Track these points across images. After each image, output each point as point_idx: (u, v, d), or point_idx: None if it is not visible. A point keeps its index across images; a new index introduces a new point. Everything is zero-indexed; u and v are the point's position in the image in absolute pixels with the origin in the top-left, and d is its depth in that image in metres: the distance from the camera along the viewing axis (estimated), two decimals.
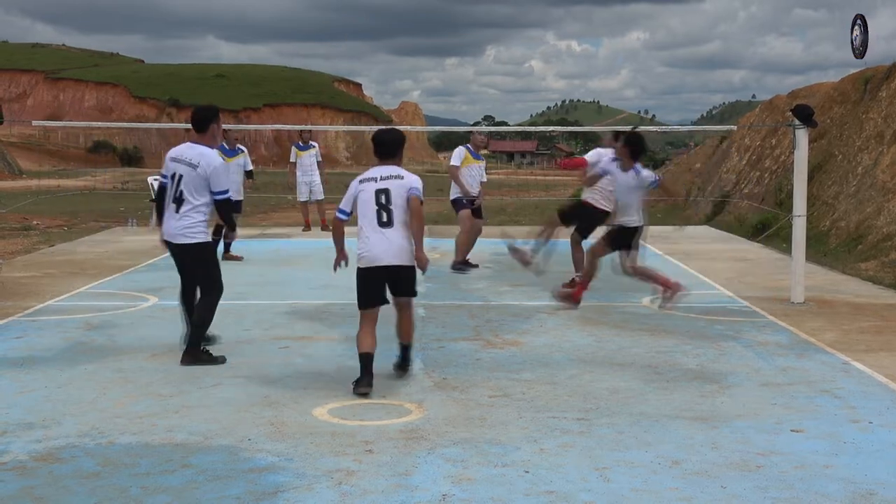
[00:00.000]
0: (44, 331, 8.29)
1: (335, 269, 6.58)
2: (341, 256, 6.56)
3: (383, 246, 6.31)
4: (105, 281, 11.22)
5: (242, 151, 13.61)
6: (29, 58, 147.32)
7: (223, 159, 12.45)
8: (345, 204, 6.49)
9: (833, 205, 16.28)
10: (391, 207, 6.36)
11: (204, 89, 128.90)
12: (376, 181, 6.43)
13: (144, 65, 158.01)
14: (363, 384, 6.23)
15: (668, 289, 8.79)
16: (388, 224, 6.34)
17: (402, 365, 6.77)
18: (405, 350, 6.77)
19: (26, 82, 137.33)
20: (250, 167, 13.91)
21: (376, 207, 6.36)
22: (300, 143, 17.21)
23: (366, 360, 6.29)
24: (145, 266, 12.56)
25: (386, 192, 6.36)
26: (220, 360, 7.05)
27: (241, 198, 13.44)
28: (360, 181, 6.45)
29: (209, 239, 7.21)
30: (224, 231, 11.31)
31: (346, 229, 6.52)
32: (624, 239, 8.78)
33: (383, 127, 6.61)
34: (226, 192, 7.16)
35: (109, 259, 13.25)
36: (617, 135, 9.85)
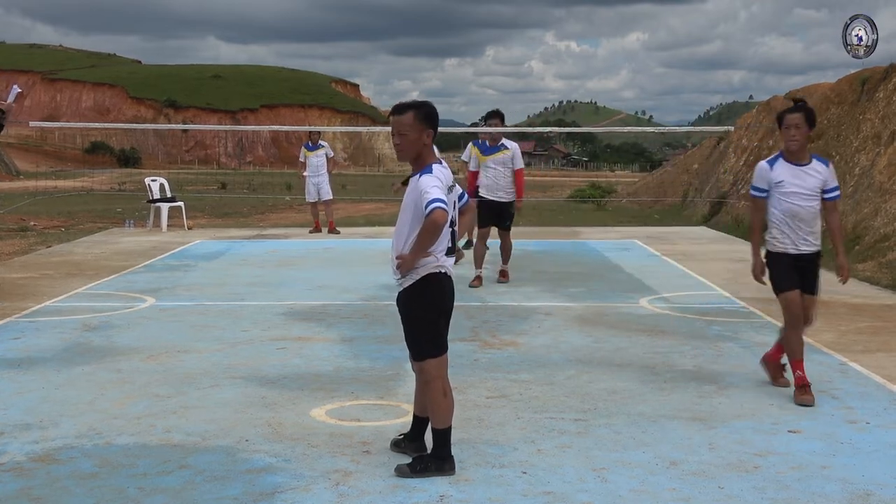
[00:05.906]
0: (41, 332, 8.28)
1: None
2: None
3: None
4: (102, 282, 11.21)
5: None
6: (26, 58, 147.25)
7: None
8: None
9: None
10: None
11: (201, 90, 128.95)
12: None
13: (142, 65, 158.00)
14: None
15: None
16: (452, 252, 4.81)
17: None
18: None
19: (24, 83, 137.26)
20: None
21: (451, 229, 4.72)
22: (309, 143, 17.48)
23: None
24: (143, 267, 12.55)
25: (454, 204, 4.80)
26: None
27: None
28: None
29: None
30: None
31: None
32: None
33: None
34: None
35: (107, 260, 13.24)
36: None
